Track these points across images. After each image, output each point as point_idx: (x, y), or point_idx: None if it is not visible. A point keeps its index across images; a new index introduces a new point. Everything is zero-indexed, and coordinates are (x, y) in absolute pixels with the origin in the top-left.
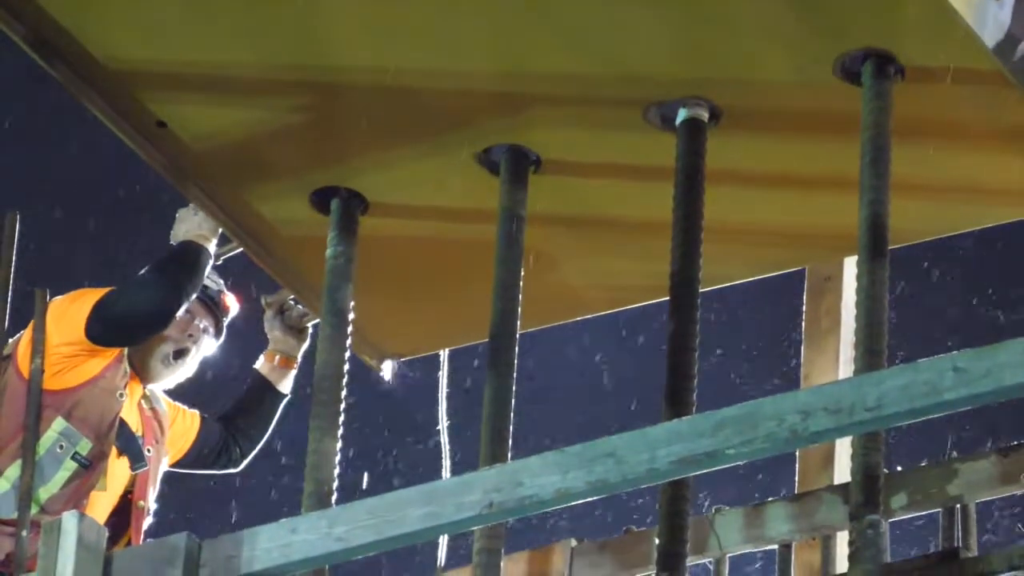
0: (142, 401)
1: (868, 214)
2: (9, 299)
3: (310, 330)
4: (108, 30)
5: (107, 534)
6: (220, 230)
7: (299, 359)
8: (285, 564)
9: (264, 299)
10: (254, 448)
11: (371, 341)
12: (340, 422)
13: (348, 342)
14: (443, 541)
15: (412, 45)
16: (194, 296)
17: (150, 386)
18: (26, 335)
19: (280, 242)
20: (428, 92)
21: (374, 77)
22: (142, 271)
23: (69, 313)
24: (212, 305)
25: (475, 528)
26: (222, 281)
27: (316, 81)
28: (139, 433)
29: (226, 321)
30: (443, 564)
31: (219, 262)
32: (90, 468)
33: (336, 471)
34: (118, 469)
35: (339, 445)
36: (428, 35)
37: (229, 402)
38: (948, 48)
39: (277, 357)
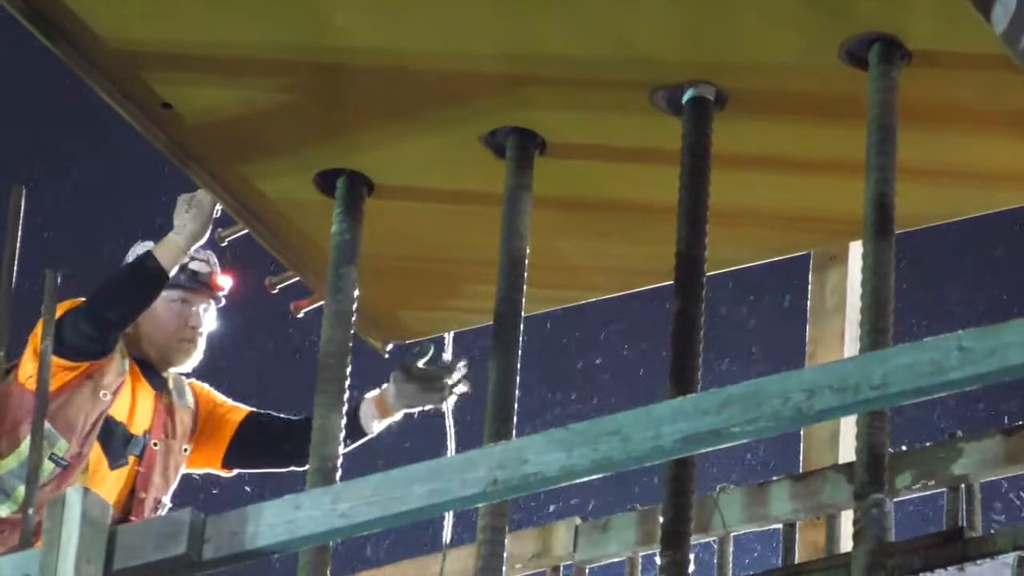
0: (161, 395)
1: (874, 193)
2: (15, 275)
3: (447, 395)
4: (113, 10)
5: (111, 510)
6: (204, 234)
7: (399, 414)
8: (289, 540)
9: (268, 280)
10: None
11: (377, 323)
12: (345, 399)
13: (353, 319)
14: (448, 517)
15: (418, 26)
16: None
17: (175, 372)
18: (27, 352)
19: (285, 224)
20: (434, 74)
21: (380, 58)
22: (95, 290)
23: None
24: (205, 289)
25: (480, 505)
26: (214, 259)
27: (322, 62)
28: (147, 427)
29: (223, 295)
30: (448, 541)
31: (224, 244)
32: (68, 468)
33: (340, 447)
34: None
35: (344, 422)
36: (434, 16)
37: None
38: (955, 32)
39: (384, 403)
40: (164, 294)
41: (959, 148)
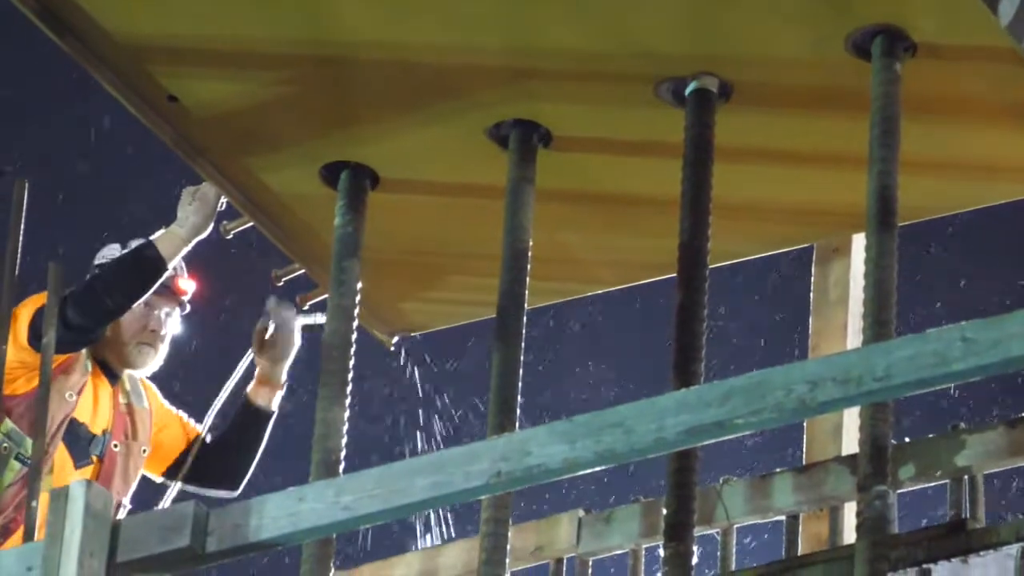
0: (119, 396)
1: (877, 185)
2: (17, 267)
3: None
4: (120, 4)
5: (113, 502)
6: (207, 228)
7: (283, 381)
8: (292, 533)
9: (274, 272)
10: (244, 469)
11: (381, 316)
12: (347, 391)
13: (356, 311)
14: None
15: (422, 19)
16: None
17: (132, 374)
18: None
19: (290, 217)
20: (438, 66)
21: (384, 51)
22: (88, 277)
23: (14, 328)
24: (168, 292)
25: (483, 497)
26: (180, 264)
27: (326, 55)
28: (107, 428)
29: (186, 299)
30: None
31: (230, 237)
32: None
33: (344, 440)
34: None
35: (347, 414)
36: (438, 9)
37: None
38: (960, 25)
39: (262, 377)
40: None
41: (964, 140)
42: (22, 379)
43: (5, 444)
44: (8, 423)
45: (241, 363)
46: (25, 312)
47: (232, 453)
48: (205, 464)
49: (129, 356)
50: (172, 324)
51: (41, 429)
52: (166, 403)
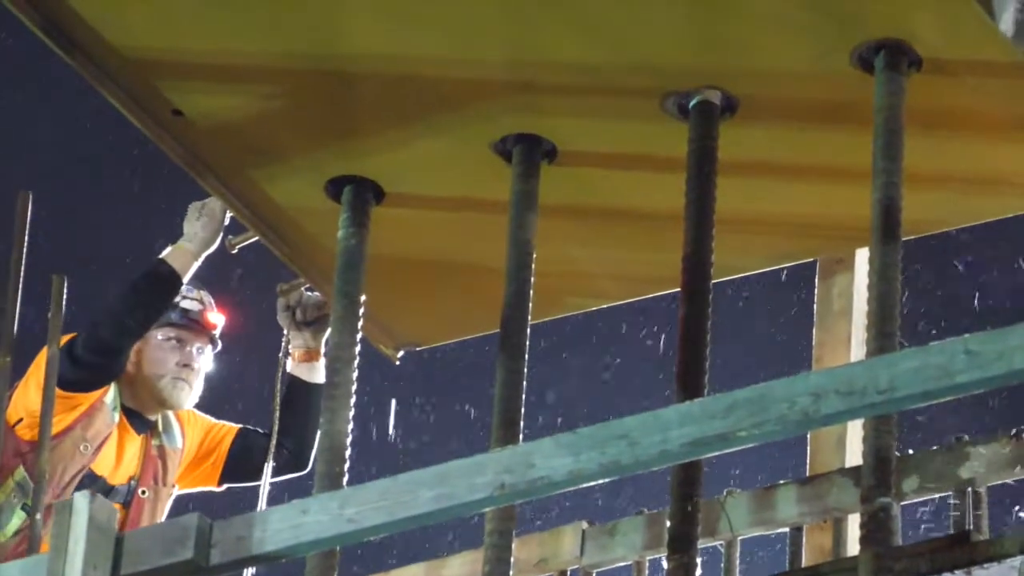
0: (152, 440)
1: (881, 197)
2: (21, 280)
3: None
4: (124, 18)
5: (118, 515)
6: (215, 242)
7: (322, 348)
8: (296, 545)
9: (280, 287)
10: (306, 445)
11: (386, 330)
12: (352, 403)
13: (360, 323)
14: None
15: (427, 33)
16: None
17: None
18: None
19: (296, 231)
20: (443, 80)
21: (389, 65)
22: (105, 306)
23: (34, 374)
24: (198, 327)
25: (487, 510)
26: (207, 296)
27: (331, 69)
28: (135, 474)
29: (216, 334)
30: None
31: (235, 251)
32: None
33: (348, 452)
34: None
35: (351, 427)
36: (443, 23)
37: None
38: (965, 39)
39: (298, 352)
40: (158, 334)
41: (969, 154)
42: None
43: (16, 493)
44: (21, 471)
45: (281, 352)
46: (41, 359)
47: (296, 433)
48: (267, 454)
49: (164, 392)
50: (204, 361)
51: (43, 443)
52: (204, 417)
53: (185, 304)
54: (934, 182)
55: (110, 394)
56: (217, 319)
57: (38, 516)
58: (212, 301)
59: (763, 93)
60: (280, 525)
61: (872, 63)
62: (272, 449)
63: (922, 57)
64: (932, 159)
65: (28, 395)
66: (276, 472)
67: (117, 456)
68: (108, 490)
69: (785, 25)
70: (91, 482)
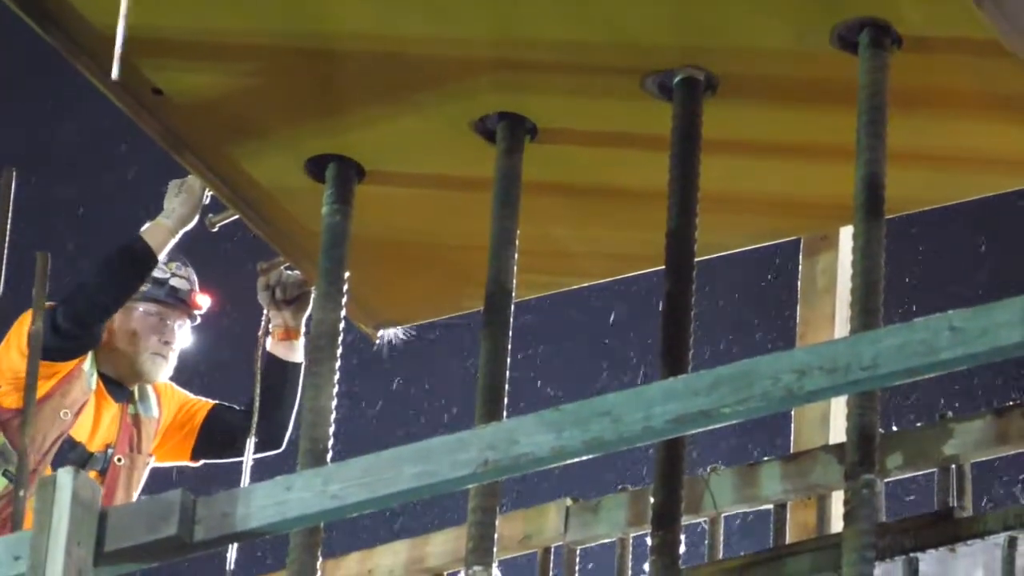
0: (126, 407)
1: (865, 174)
2: (5, 257)
3: (311, 296)
4: None
5: (101, 492)
6: (193, 219)
7: (302, 328)
8: (280, 522)
9: (260, 265)
10: (283, 424)
11: (367, 309)
12: (335, 380)
13: (343, 300)
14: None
15: (409, 11)
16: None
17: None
18: None
19: (276, 210)
20: (424, 59)
21: (370, 43)
22: (79, 282)
23: (14, 338)
24: (183, 306)
25: (470, 486)
26: (194, 277)
27: (312, 47)
28: (111, 442)
29: (199, 314)
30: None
31: (215, 230)
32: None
33: (331, 429)
34: None
35: (335, 403)
36: (424, 1)
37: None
38: (945, 18)
39: (277, 331)
40: (141, 307)
41: (951, 132)
42: (18, 393)
43: None
44: (2, 438)
45: (261, 331)
46: (20, 325)
47: (273, 412)
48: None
49: (142, 367)
50: (182, 336)
51: (27, 418)
52: (181, 391)
53: (174, 282)
54: (915, 160)
55: (87, 361)
56: (204, 301)
57: (21, 493)
58: (197, 281)
59: (744, 71)
60: (264, 501)
61: (852, 42)
62: (254, 426)
63: (902, 36)
64: (912, 138)
65: (9, 359)
66: (244, 452)
67: (94, 423)
68: (87, 457)
69: (765, 4)
70: (71, 448)
